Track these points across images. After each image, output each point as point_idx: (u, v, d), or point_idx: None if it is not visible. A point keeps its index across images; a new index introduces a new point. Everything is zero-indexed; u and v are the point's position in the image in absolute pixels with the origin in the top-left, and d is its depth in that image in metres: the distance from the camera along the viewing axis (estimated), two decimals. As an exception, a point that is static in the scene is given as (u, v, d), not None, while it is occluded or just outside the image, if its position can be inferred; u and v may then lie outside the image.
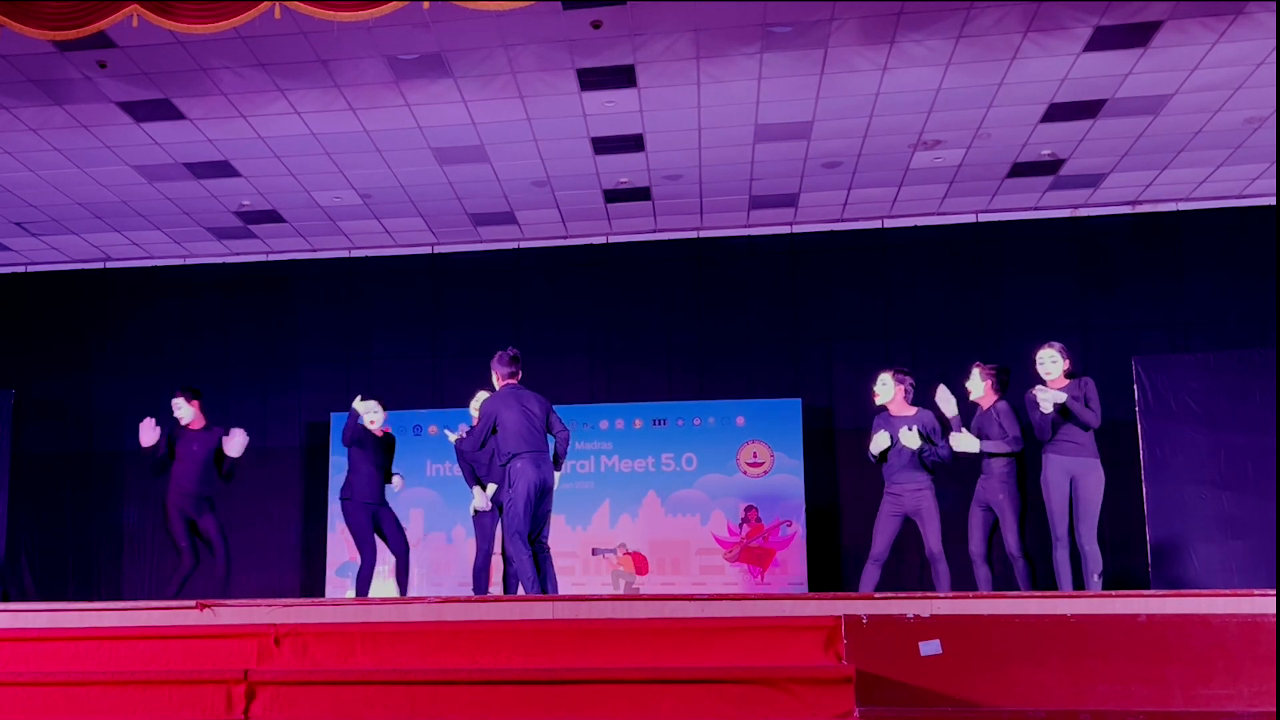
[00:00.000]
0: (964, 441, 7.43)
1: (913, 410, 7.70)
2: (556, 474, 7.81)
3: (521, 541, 7.54)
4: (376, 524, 8.65)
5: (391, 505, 8.83)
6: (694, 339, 11.64)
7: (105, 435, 12.03)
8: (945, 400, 7.47)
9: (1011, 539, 7.33)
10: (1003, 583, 7.77)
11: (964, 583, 7.85)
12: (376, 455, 8.67)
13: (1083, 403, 7.18)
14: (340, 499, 8.71)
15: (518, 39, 7.99)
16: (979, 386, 7.60)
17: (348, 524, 8.69)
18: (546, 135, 9.48)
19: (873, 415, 7.92)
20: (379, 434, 8.72)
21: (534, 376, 11.78)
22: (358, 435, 8.55)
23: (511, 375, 7.92)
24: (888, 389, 7.75)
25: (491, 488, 8.44)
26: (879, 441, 7.63)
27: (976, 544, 7.49)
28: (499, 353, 7.98)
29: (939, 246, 11.39)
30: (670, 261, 11.75)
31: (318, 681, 5.58)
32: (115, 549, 11.92)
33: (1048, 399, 7.14)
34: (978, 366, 7.65)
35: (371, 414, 8.64)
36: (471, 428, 8.66)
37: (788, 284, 11.60)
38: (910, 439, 7.47)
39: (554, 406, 8.04)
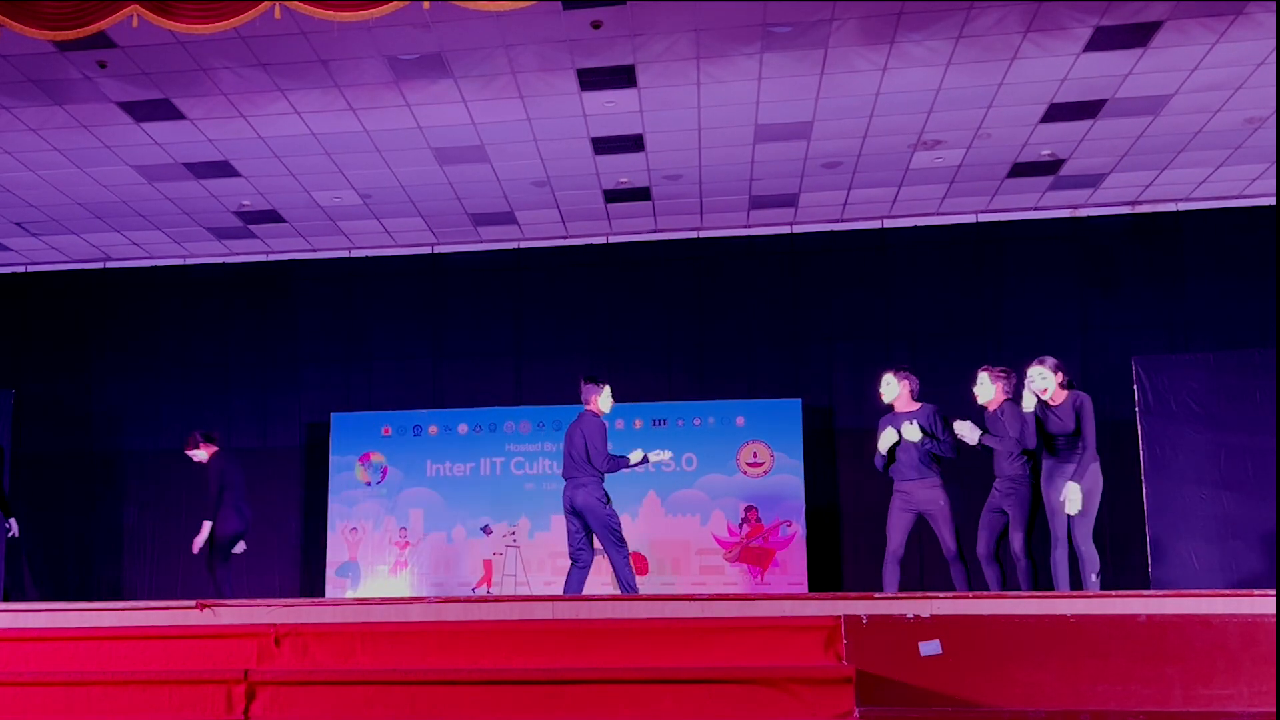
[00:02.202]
0: (964, 429, 7.46)
1: (916, 406, 7.74)
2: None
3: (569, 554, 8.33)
4: None
5: None
6: (694, 339, 11.64)
7: (105, 435, 12.05)
8: (969, 432, 7.48)
9: (1017, 540, 7.33)
10: (1012, 583, 7.76)
11: (976, 583, 7.84)
12: None
13: (1075, 419, 7.16)
14: None
15: (518, 39, 7.99)
16: (989, 390, 7.56)
17: None
18: (546, 135, 9.48)
19: (876, 413, 7.94)
20: None
21: (534, 377, 11.86)
22: None
23: (584, 401, 8.36)
24: (892, 387, 7.77)
25: (207, 525, 9.29)
26: (886, 438, 7.66)
27: (984, 545, 7.51)
28: None
29: (939, 246, 11.39)
30: (670, 261, 11.75)
31: (318, 681, 5.58)
32: (115, 549, 11.93)
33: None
34: (986, 370, 7.63)
35: None
36: None
37: (788, 284, 11.60)
38: (911, 432, 7.51)
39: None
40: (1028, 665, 5.20)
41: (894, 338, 11.32)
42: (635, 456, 8.30)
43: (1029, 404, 7.16)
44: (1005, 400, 7.55)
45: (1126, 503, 9.91)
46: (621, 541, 8.16)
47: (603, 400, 8.33)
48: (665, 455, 8.50)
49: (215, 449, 9.56)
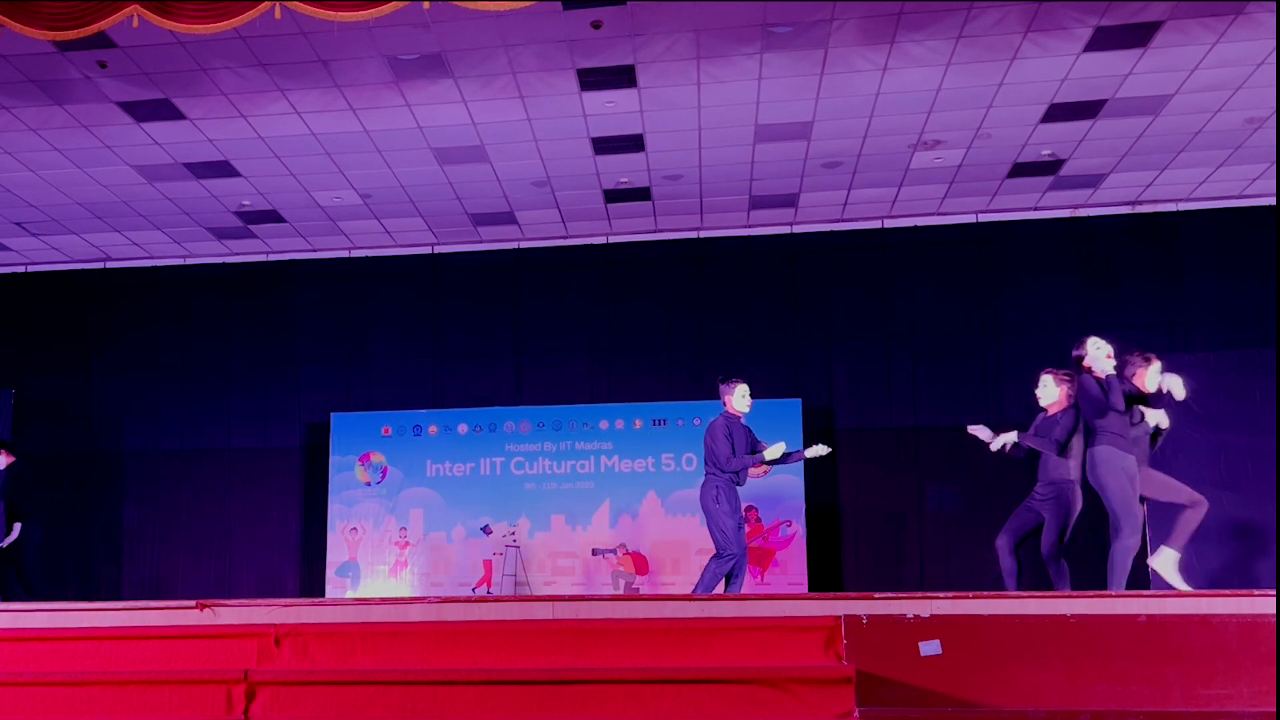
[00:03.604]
0: (978, 431, 7.46)
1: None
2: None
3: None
4: None
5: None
6: (694, 339, 11.65)
7: (105, 435, 12.04)
8: (984, 435, 7.44)
9: (1047, 542, 7.18)
10: (1040, 581, 7.63)
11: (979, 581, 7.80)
12: None
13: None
14: None
15: (518, 39, 7.99)
16: (1054, 392, 7.36)
17: None
18: (546, 135, 9.48)
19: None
20: None
21: (534, 377, 11.85)
22: None
23: (722, 401, 7.93)
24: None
25: (18, 526, 10.04)
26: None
27: (1005, 538, 7.34)
28: None
29: (939, 246, 11.39)
30: (670, 261, 11.75)
31: (318, 681, 5.57)
32: (115, 549, 11.93)
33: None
34: (1050, 373, 7.42)
35: None
36: None
37: (788, 284, 11.60)
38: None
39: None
40: (1028, 665, 5.19)
41: (894, 338, 11.32)
42: (772, 453, 7.69)
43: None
44: (1070, 405, 7.30)
45: (1126, 503, 9.90)
46: (728, 545, 7.60)
47: (736, 400, 7.78)
48: (822, 450, 7.91)
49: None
